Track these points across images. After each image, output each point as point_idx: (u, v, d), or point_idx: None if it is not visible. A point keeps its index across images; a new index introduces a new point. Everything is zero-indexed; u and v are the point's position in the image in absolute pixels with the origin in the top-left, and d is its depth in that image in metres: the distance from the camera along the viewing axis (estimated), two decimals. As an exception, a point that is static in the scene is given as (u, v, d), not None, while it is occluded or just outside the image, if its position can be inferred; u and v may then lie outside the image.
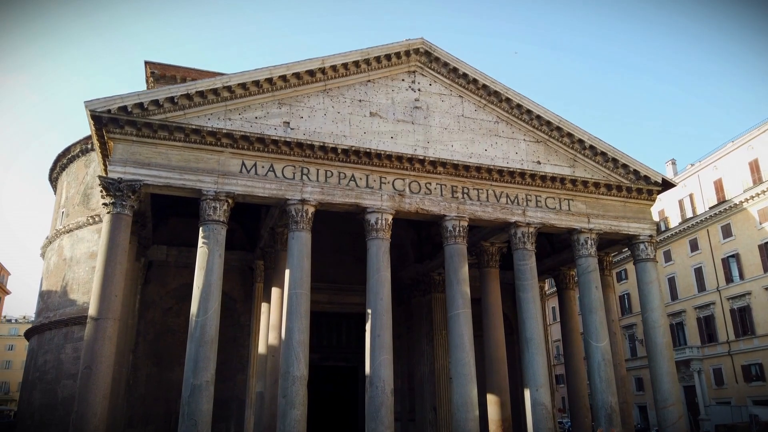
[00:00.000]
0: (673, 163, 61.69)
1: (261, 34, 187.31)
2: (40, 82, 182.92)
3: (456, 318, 22.69)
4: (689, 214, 55.33)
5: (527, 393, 23.16)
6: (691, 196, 55.66)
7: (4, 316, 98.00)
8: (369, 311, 21.37)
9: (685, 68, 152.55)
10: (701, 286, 52.76)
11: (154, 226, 28.03)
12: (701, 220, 52.59)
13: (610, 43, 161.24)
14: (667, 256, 56.93)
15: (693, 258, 53.86)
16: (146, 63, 31.63)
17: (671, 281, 56.33)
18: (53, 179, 41.31)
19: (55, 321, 34.11)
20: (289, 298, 20.51)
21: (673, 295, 55.93)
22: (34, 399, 33.31)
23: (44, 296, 36.99)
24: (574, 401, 28.99)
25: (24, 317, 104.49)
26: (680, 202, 56.80)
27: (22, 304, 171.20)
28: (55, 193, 41.59)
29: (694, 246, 53.85)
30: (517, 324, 26.05)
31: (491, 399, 25.32)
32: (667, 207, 58.39)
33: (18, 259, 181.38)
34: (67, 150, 38.54)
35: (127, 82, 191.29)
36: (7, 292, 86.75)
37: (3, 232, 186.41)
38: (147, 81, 31.99)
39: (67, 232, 36.36)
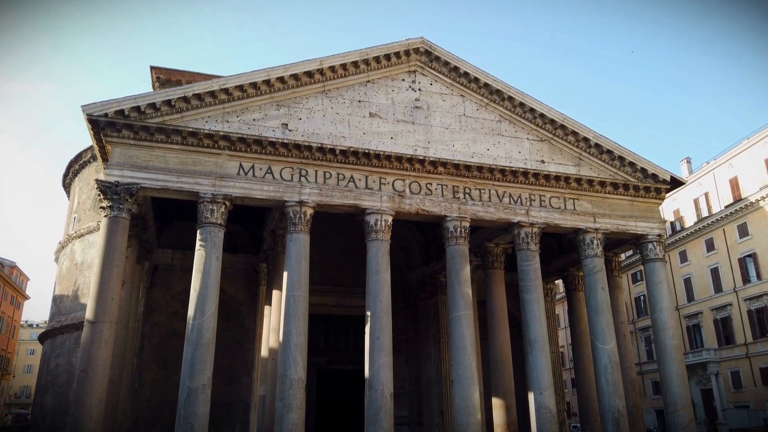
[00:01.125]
0: (688, 162, 60.56)
1: (262, 34, 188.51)
2: (57, 88, 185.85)
3: (457, 320, 22.41)
4: (705, 214, 54.22)
5: (531, 396, 22.78)
6: (706, 194, 54.56)
7: (25, 321, 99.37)
8: (368, 313, 21.15)
9: (698, 67, 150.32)
10: (718, 287, 51.67)
11: (159, 230, 28.15)
12: (717, 220, 51.51)
13: (617, 43, 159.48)
14: (683, 257, 55.91)
15: (709, 258, 52.78)
16: (152, 68, 31.84)
17: (687, 282, 55.29)
18: (66, 185, 41.81)
19: (66, 325, 34.41)
20: (286, 300, 20.35)
21: (690, 297, 54.89)
22: (46, 403, 33.59)
23: (57, 301, 37.40)
24: (584, 405, 28.54)
25: (44, 322, 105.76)
26: (695, 201, 55.75)
27: (42, 309, 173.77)
28: (68, 199, 42.08)
29: (710, 246, 52.78)
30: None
31: (496, 402, 24.94)
32: (682, 206, 57.36)
33: (37, 265, 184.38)
34: (79, 156, 38.96)
35: (138, 87, 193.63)
36: (26, 297, 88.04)
37: (23, 237, 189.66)
38: (153, 86, 32.21)
39: (79, 237, 36.72)
